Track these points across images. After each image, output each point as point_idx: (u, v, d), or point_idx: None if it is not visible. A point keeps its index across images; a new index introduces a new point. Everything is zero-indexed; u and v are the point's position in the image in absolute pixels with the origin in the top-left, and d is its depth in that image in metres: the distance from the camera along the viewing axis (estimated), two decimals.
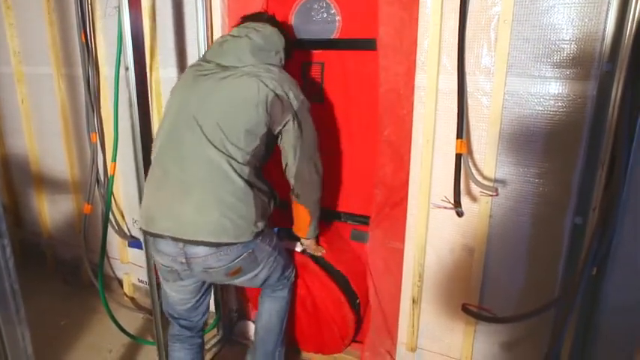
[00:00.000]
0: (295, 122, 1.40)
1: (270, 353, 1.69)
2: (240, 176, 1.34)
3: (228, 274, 1.42)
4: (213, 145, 1.32)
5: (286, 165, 1.48)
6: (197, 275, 1.44)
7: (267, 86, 1.35)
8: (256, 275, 1.50)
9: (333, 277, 1.77)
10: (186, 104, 1.39)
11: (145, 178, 1.51)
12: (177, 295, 1.53)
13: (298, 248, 1.80)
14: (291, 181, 1.50)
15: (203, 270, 1.39)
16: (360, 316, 1.88)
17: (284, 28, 1.57)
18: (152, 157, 1.44)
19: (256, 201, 1.37)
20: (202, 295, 1.57)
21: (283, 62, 1.51)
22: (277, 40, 1.50)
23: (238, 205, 1.34)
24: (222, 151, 1.33)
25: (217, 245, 1.33)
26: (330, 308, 1.78)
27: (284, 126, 1.40)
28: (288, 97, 1.39)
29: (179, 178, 1.34)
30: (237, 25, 1.54)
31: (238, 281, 1.52)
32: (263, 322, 1.68)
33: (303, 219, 1.58)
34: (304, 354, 2.00)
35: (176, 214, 1.33)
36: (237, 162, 1.34)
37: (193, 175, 1.33)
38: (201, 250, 1.34)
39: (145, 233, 1.42)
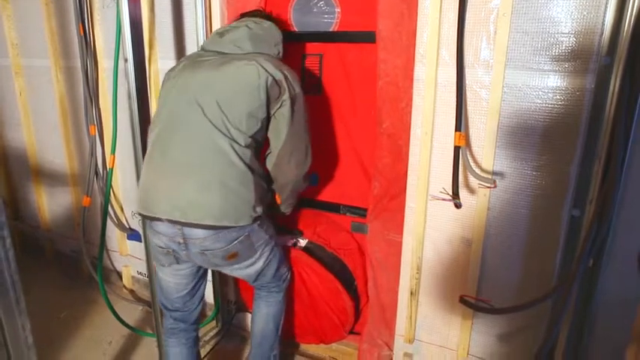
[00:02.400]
0: (289, 107, 1.39)
1: (267, 357, 1.69)
2: (242, 160, 1.35)
3: (225, 258, 1.42)
4: (216, 127, 1.33)
5: (269, 153, 1.47)
6: (194, 257, 1.43)
7: (266, 71, 1.36)
8: (253, 264, 1.50)
9: (327, 264, 1.77)
10: (187, 88, 1.39)
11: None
12: (173, 279, 1.52)
13: (302, 242, 1.81)
14: (269, 167, 1.47)
15: (200, 252, 1.39)
16: (359, 298, 1.89)
17: (280, 25, 1.60)
18: (150, 141, 1.43)
19: (256, 185, 1.38)
20: (198, 281, 1.57)
21: (281, 56, 1.54)
22: (276, 32, 1.53)
23: (239, 189, 1.35)
24: (224, 134, 1.33)
25: (216, 228, 1.34)
26: (328, 299, 1.79)
27: (280, 106, 1.39)
28: (287, 84, 1.39)
29: (180, 160, 1.34)
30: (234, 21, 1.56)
31: (235, 271, 1.52)
32: (260, 328, 1.67)
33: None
34: (303, 346, 2.01)
35: (176, 198, 1.33)
36: (239, 145, 1.35)
37: (195, 157, 1.33)
38: (200, 232, 1.35)
39: (143, 217, 1.42)
